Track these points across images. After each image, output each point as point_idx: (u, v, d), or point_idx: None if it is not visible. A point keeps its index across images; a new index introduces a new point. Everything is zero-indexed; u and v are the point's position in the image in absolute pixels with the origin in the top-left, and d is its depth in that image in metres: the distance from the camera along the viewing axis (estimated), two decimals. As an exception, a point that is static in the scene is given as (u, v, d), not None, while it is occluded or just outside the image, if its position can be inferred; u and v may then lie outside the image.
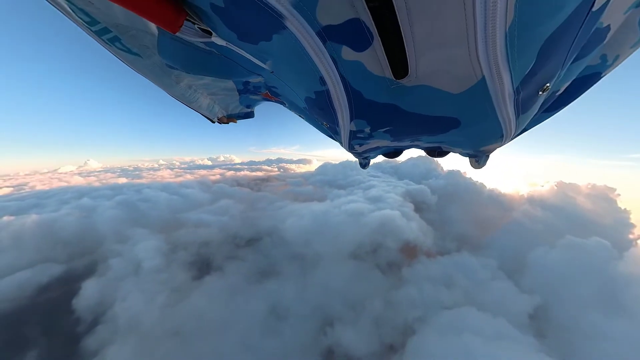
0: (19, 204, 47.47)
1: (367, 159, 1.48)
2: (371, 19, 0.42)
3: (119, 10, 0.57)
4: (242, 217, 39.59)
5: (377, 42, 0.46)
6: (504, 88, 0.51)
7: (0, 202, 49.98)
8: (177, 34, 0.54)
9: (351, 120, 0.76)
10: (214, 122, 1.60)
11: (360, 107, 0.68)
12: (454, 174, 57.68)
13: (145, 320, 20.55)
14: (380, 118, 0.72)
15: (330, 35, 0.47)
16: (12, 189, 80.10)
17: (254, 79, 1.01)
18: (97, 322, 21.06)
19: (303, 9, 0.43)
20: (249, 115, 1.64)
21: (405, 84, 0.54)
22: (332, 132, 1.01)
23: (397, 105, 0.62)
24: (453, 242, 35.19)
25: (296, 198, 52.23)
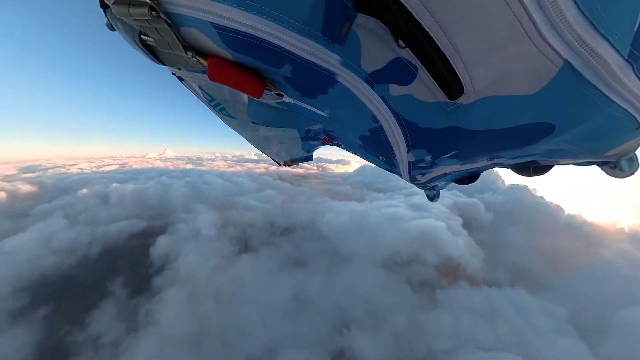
0: (122, 176, 65.62)
1: (435, 189, 1.38)
2: (411, 53, 0.44)
3: (227, 90, 0.92)
4: (282, 207, 42.65)
5: (423, 72, 0.47)
6: (606, 62, 0.39)
7: (111, 174, 70.41)
8: (260, 99, 0.73)
9: (409, 151, 0.76)
10: (280, 165, 1.86)
11: (417, 137, 0.69)
12: (518, 190, 47.33)
13: (198, 277, 24.59)
14: (441, 144, 0.70)
15: (376, 78, 0.53)
16: (117, 166, 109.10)
17: (314, 127, 1.13)
18: (164, 268, 26.28)
19: (350, 64, 0.51)
20: (309, 158, 1.85)
21: (463, 103, 0.51)
22: (390, 165, 1.03)
23: (459, 126, 0.59)
24: (506, 273, 30.18)
25: (334, 196, 52.70)
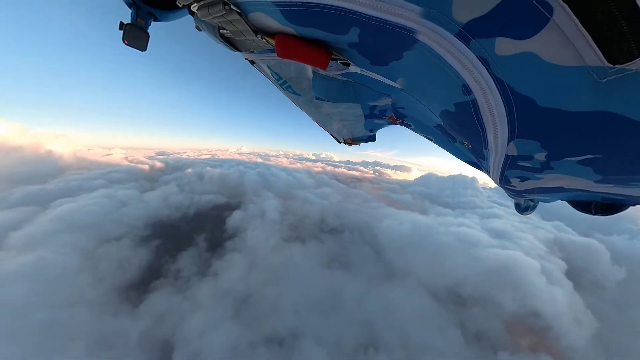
0: (213, 162, 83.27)
1: (534, 201, 1.04)
2: None
3: (293, 67, 0.92)
4: (338, 206, 43.19)
5: (563, 14, 0.28)
6: None
7: (206, 161, 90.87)
8: (325, 71, 0.71)
9: (510, 140, 0.52)
10: (340, 142, 1.80)
11: (529, 120, 0.45)
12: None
13: (259, 250, 27.62)
14: (570, 138, 0.44)
15: (475, 30, 0.36)
16: (210, 155, 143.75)
17: (382, 102, 1.00)
18: (235, 236, 30.76)
19: (435, 14, 0.37)
20: (371, 138, 1.67)
21: (632, 70, 0.30)
22: (476, 155, 0.80)
23: (615, 112, 0.35)
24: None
25: (391, 204, 48.89)
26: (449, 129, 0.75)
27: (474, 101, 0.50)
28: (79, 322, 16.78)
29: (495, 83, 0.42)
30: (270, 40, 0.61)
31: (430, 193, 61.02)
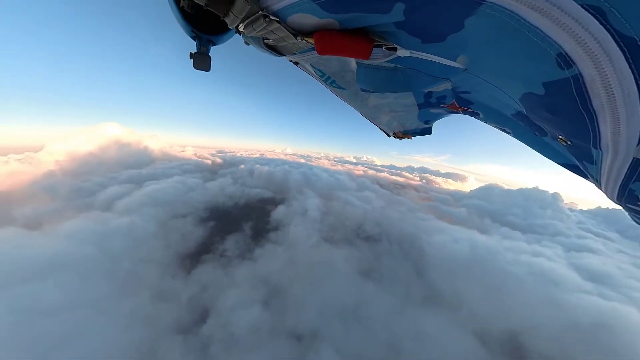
0: (262, 161, 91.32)
1: None
2: None
3: (335, 62, 0.88)
4: (380, 213, 40.78)
5: None
6: None
7: (255, 159, 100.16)
8: (369, 60, 0.62)
9: None
10: (389, 136, 1.63)
11: None
12: None
13: (298, 246, 28.00)
14: None
15: None
16: (259, 155, 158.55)
17: (439, 87, 0.83)
18: (277, 229, 32.08)
19: None
20: (426, 131, 1.47)
21: None
22: (576, 156, 0.57)
23: None
24: None
25: (441, 217, 43.08)
26: (534, 118, 0.55)
27: (578, 77, 0.35)
28: (148, 275, 20.46)
29: (618, 45, 0.28)
30: (309, 39, 0.62)
31: (492, 209, 49.84)
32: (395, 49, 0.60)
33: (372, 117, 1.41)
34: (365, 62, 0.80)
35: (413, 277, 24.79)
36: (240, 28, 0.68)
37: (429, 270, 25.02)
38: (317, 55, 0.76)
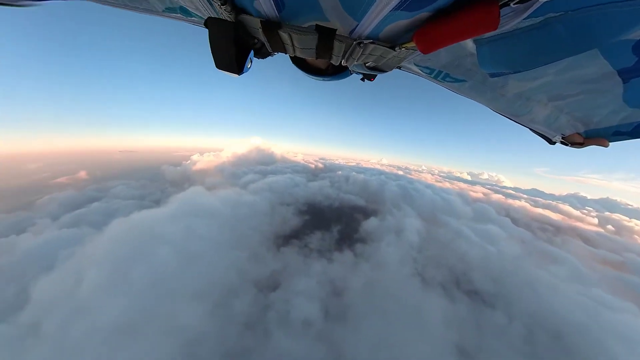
0: (357, 169, 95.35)
1: None
2: None
3: (443, 52, 0.67)
4: (510, 264, 28.14)
5: None
6: None
7: (352, 167, 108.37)
8: (498, 30, 0.43)
9: None
10: (553, 143, 0.94)
11: None
12: None
13: (386, 269, 24.66)
14: None
15: None
16: (355, 163, 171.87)
17: None
18: (365, 242, 29.86)
19: None
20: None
21: None
22: None
23: None
24: None
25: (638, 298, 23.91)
26: None
27: None
28: (252, 240, 26.80)
29: None
30: (408, 45, 0.57)
31: None
32: None
33: (516, 112, 0.85)
34: (488, 35, 0.51)
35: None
36: (343, 63, 0.71)
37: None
38: (422, 54, 0.65)
